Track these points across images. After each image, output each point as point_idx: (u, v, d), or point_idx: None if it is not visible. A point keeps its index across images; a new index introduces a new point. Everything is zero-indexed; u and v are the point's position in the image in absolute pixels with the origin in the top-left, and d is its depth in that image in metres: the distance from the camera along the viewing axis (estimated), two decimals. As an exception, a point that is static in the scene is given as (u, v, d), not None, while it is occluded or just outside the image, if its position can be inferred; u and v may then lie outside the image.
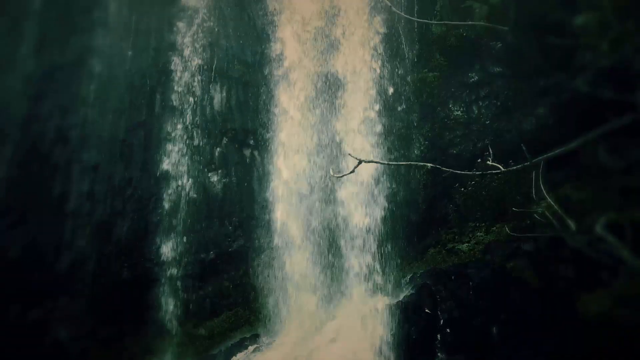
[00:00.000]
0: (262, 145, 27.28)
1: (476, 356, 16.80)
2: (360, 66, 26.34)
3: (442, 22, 25.52)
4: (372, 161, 6.25)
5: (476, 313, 18.54)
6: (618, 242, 5.31)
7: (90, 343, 25.32)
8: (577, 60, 20.44)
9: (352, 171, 6.29)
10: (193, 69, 28.99)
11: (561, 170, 17.61)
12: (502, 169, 5.91)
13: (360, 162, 6.02)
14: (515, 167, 5.84)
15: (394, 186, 24.71)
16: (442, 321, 18.88)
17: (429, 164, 5.94)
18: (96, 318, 25.96)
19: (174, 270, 26.33)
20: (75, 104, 28.87)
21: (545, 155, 4.97)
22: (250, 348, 22.79)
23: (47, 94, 29.16)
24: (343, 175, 6.48)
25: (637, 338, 10.05)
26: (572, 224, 6.18)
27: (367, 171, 24.24)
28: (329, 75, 26.76)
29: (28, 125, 28.64)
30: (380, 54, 26.51)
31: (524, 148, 5.47)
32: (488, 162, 6.67)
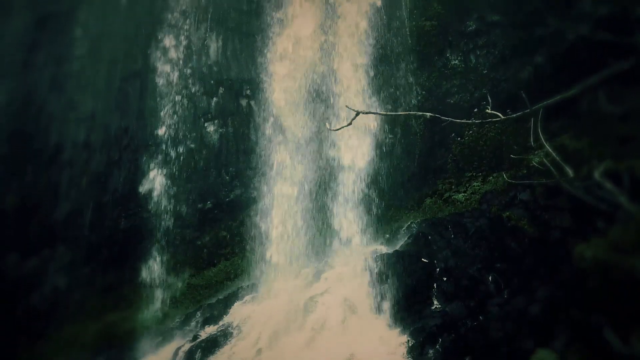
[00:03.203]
0: (258, 95, 27.12)
1: (472, 304, 16.92)
2: (357, 18, 26.09)
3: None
4: (369, 112, 6.20)
5: (472, 262, 18.63)
6: (615, 188, 5.32)
7: (88, 291, 25.50)
8: (576, 9, 20.30)
9: (350, 123, 6.24)
10: (188, 18, 28.68)
11: (558, 120, 17.62)
12: (502, 117, 5.87)
13: (358, 113, 5.97)
14: (515, 115, 5.80)
15: (391, 136, 24.68)
16: (438, 270, 18.98)
17: (427, 114, 5.87)
18: (94, 267, 26.12)
19: (171, 220, 26.40)
20: (70, 53, 28.68)
21: (546, 102, 4.93)
22: (248, 297, 22.92)
23: (41, 43, 28.95)
24: (340, 128, 6.41)
25: (631, 284, 10.15)
26: (569, 171, 6.17)
27: (365, 121, 24.17)
28: (325, 20, 26.52)
29: (23, 74, 28.47)
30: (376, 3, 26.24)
31: (523, 95, 5.44)
32: (487, 110, 6.63)
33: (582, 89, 4.49)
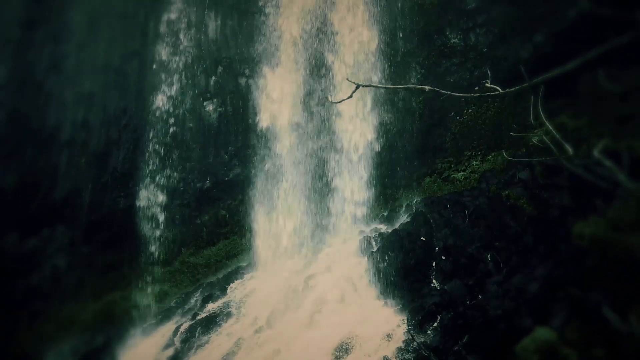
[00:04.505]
0: (257, 73, 27.00)
1: (470, 283, 16.96)
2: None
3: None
4: (369, 85, 6.18)
5: (471, 240, 18.66)
6: (615, 166, 5.31)
7: (87, 271, 25.57)
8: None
9: (350, 96, 6.22)
10: (187, -4, 28.56)
11: (557, 99, 17.56)
12: (500, 91, 5.85)
13: (358, 86, 5.94)
14: (514, 89, 5.78)
15: (390, 115, 24.62)
16: (437, 249, 19.01)
17: (426, 87, 5.85)
18: (93, 246, 26.18)
19: (170, 199, 26.41)
20: (68, 31, 28.57)
21: (544, 76, 4.91)
22: (247, 276, 23.00)
23: (39, 21, 28.83)
24: (341, 101, 6.39)
25: (630, 262, 10.16)
26: (569, 149, 6.16)
27: (364, 99, 24.10)
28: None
29: (21, 53, 28.38)
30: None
31: (522, 69, 5.42)
32: (486, 84, 6.61)
33: (581, 63, 4.46)
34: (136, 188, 26.66)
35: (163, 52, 27.83)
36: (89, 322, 24.04)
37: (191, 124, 27.24)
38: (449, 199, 21.15)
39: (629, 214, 9.88)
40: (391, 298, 18.03)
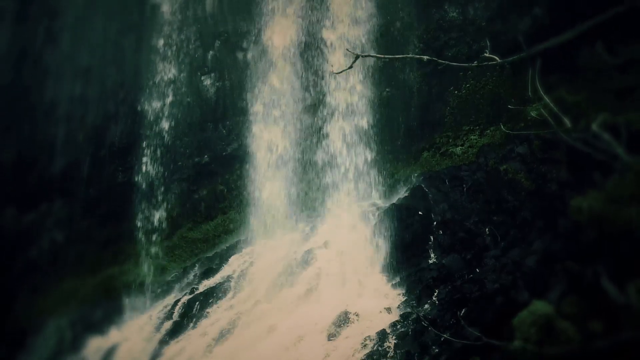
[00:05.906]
0: (255, 47, 26.79)
1: (468, 257, 17.01)
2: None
3: None
4: (369, 55, 6.16)
5: (469, 215, 18.69)
6: (613, 139, 5.28)
7: (86, 245, 25.59)
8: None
9: (350, 67, 6.20)
10: (184, -31, 28.29)
11: (556, 73, 17.49)
12: (498, 60, 5.82)
13: (357, 57, 5.91)
14: (512, 58, 5.75)
15: (388, 89, 24.50)
16: (435, 223, 19.04)
17: (425, 57, 5.83)
18: (92, 221, 26.19)
19: (168, 174, 26.36)
20: (65, 5, 28.38)
21: (542, 45, 4.87)
22: (245, 250, 22.99)
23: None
24: (342, 72, 6.38)
25: (628, 236, 10.16)
26: (567, 122, 6.13)
27: (362, 74, 23.95)
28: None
29: (17, 27, 28.22)
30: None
31: (520, 38, 5.39)
32: (485, 54, 6.57)
33: (579, 32, 4.43)
34: (134, 162, 26.62)
35: (159, 26, 27.64)
36: (88, 296, 24.12)
37: (189, 99, 27.12)
38: (447, 173, 21.13)
39: (627, 187, 9.87)
40: (389, 272, 18.09)
